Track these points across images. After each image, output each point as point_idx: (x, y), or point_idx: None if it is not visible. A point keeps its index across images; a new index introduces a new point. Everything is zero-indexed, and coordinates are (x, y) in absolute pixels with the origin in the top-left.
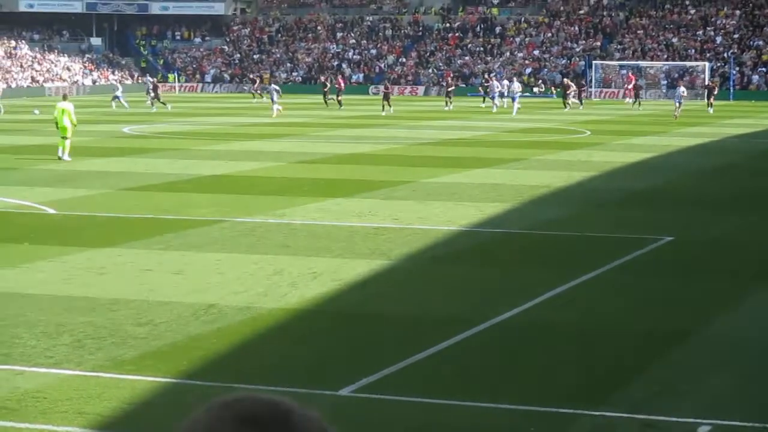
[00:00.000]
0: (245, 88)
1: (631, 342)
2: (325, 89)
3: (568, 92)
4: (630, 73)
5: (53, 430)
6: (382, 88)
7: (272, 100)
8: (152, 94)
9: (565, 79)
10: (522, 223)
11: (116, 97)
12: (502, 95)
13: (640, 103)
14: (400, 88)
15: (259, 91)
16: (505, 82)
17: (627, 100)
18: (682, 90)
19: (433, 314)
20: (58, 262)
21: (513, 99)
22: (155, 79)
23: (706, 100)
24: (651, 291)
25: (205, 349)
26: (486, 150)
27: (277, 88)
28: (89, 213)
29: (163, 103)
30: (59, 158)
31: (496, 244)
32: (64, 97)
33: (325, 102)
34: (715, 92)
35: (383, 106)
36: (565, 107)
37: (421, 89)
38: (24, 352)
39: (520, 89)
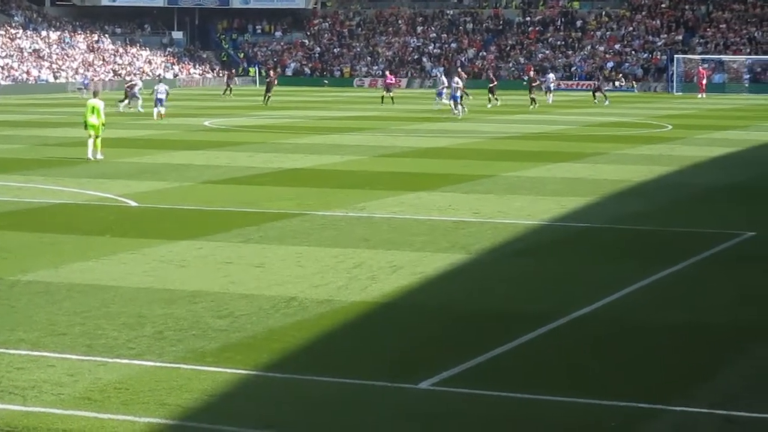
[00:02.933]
0: (325, 82)
1: (714, 337)
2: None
3: (533, 86)
4: (701, 68)
5: (135, 420)
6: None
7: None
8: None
9: (531, 73)
10: (603, 218)
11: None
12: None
13: None
14: (398, 80)
15: (230, 88)
16: (444, 78)
17: (700, 95)
18: None
19: (513, 308)
20: (140, 255)
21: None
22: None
23: None
24: (733, 286)
25: (285, 342)
26: (567, 144)
27: (167, 87)
28: (170, 206)
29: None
30: (88, 159)
31: (576, 239)
32: (95, 94)
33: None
34: None
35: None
36: (531, 104)
37: (404, 81)
38: (106, 344)
39: (458, 85)
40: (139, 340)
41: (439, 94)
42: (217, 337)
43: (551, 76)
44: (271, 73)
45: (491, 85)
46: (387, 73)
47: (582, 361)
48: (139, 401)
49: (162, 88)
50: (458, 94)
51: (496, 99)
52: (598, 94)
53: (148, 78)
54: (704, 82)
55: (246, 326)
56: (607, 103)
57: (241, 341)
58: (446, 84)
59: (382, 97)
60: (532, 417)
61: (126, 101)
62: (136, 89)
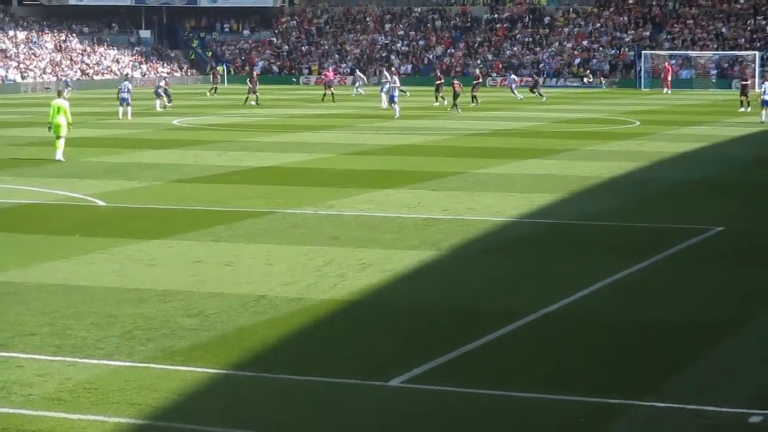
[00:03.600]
0: (293, 80)
1: (683, 332)
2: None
3: (477, 82)
4: (666, 64)
5: (105, 420)
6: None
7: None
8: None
9: (477, 71)
10: (572, 214)
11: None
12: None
13: (748, 103)
14: (341, 78)
15: (215, 87)
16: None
17: (665, 90)
18: None
19: (483, 305)
20: (109, 254)
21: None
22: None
23: (740, 96)
24: (701, 281)
25: (255, 341)
26: (536, 140)
27: (129, 85)
28: (139, 205)
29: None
30: (56, 160)
31: (546, 235)
32: (59, 94)
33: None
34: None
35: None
36: (436, 102)
37: (350, 78)
38: (75, 344)
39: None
40: (109, 339)
41: (391, 99)
42: (186, 336)
43: (513, 76)
44: (254, 73)
45: (438, 82)
46: (328, 69)
47: (552, 357)
48: (108, 401)
49: (125, 86)
50: (396, 93)
51: (443, 98)
52: (535, 90)
53: (115, 77)
54: (669, 77)
55: (216, 325)
56: (544, 99)
57: (210, 340)
58: (390, 81)
59: (332, 95)
60: (502, 413)
61: (159, 101)
62: (159, 90)
